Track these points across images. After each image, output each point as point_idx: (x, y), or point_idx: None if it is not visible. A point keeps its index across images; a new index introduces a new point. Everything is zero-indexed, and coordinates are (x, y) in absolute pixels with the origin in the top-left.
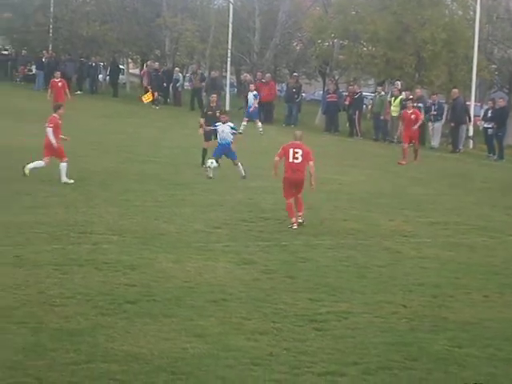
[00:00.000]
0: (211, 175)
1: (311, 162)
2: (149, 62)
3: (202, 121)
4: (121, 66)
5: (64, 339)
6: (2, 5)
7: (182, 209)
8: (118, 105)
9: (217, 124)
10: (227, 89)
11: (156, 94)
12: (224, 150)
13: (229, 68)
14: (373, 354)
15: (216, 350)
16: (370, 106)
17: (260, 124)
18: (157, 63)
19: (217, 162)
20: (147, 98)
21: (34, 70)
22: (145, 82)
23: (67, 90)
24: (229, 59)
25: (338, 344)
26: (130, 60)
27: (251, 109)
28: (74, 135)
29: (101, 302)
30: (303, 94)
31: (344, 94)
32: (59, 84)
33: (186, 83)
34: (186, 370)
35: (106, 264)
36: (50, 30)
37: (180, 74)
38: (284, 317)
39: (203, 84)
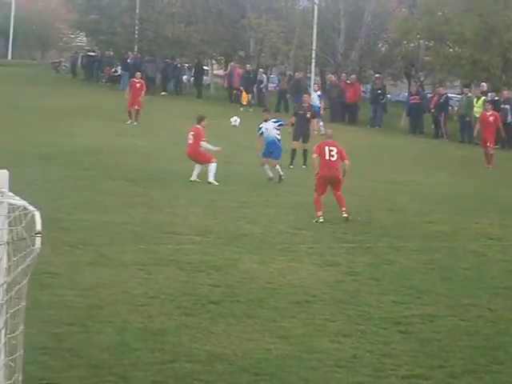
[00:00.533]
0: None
1: (347, 161)
2: (232, 63)
3: (294, 119)
4: (205, 67)
5: (148, 339)
6: (89, 7)
7: (265, 210)
8: (202, 106)
9: (260, 126)
10: (311, 90)
11: (250, 95)
12: (270, 148)
13: (313, 69)
14: (458, 358)
15: (299, 351)
16: (456, 108)
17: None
18: (248, 65)
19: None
20: (244, 98)
21: (119, 71)
22: (226, 83)
23: (143, 92)
24: (313, 60)
25: (422, 347)
26: (214, 61)
27: (321, 110)
28: (157, 136)
29: (184, 302)
30: (388, 96)
31: (428, 95)
32: (137, 85)
33: (270, 84)
34: (269, 371)
35: (190, 264)
36: (136, 32)
37: (264, 75)
38: (368, 319)
39: None
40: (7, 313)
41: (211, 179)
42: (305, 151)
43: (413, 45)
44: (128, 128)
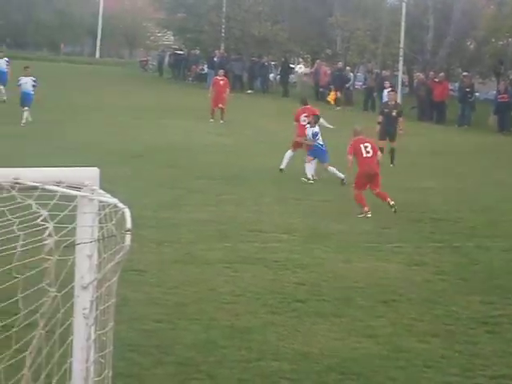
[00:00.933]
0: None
1: (379, 153)
2: (318, 61)
3: (381, 118)
4: (291, 66)
5: (235, 336)
6: (176, 5)
7: (351, 208)
8: (288, 104)
9: (306, 126)
10: (398, 88)
11: (338, 93)
12: (315, 153)
13: (401, 67)
14: None
15: (387, 350)
16: None
17: None
18: (340, 63)
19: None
20: (332, 97)
21: (205, 70)
22: (312, 81)
23: (227, 89)
24: (401, 58)
25: (510, 347)
26: (300, 59)
27: None
28: (243, 134)
29: (270, 300)
30: (477, 94)
31: None
32: (221, 82)
33: (357, 82)
34: (356, 370)
35: (276, 262)
36: (223, 30)
37: (351, 74)
38: (456, 319)
39: None
40: (97, 309)
41: (309, 175)
42: (392, 150)
43: (501, 43)
44: (214, 126)
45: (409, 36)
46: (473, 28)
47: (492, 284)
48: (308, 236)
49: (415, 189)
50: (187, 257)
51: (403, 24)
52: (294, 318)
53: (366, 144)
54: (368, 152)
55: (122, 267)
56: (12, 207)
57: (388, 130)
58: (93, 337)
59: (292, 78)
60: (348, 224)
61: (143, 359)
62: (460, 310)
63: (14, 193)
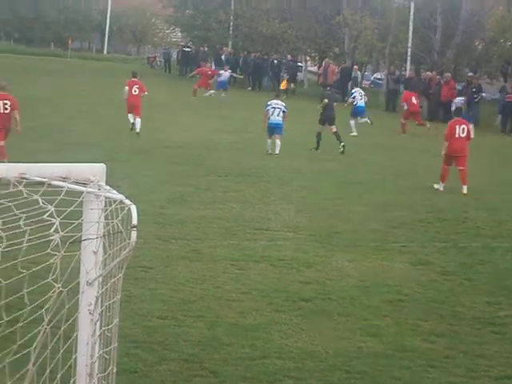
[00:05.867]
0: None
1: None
2: (326, 60)
3: None
4: (299, 64)
5: (239, 334)
6: (184, 2)
7: (358, 207)
8: (296, 102)
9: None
10: None
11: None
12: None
13: (408, 67)
14: None
15: (391, 350)
16: None
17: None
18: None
19: None
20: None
21: (213, 67)
22: (321, 80)
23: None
24: (408, 58)
25: None
26: (308, 57)
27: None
28: (250, 132)
29: (276, 298)
30: (483, 94)
31: None
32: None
33: (364, 81)
34: (360, 369)
35: (282, 261)
36: (231, 27)
37: (358, 72)
38: (461, 319)
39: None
40: (102, 305)
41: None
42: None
43: (510, 43)
44: (217, 123)
45: (417, 36)
46: (481, 28)
47: (498, 284)
48: (314, 234)
49: (421, 188)
50: (193, 254)
51: (411, 24)
52: (298, 316)
53: (6, 101)
54: (6, 109)
55: (127, 263)
56: (18, 202)
57: None
58: (98, 333)
59: (300, 76)
60: (355, 223)
61: (147, 355)
62: (465, 310)
63: (20, 188)
